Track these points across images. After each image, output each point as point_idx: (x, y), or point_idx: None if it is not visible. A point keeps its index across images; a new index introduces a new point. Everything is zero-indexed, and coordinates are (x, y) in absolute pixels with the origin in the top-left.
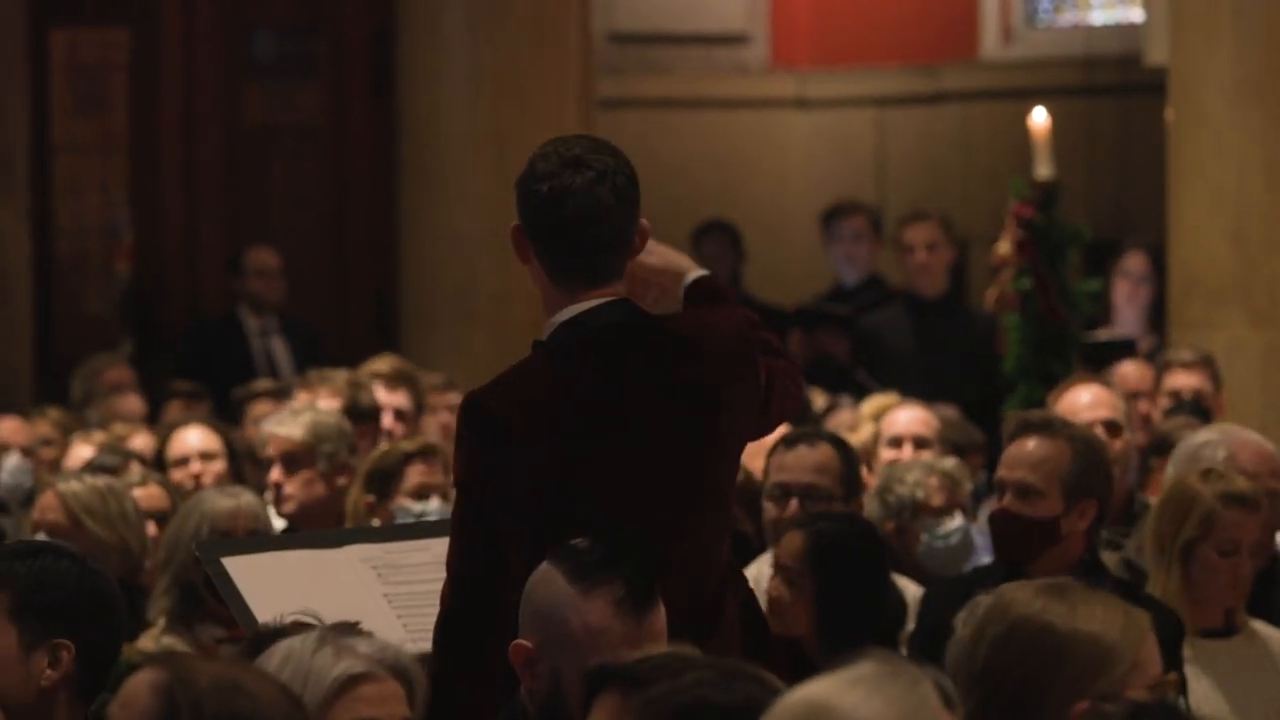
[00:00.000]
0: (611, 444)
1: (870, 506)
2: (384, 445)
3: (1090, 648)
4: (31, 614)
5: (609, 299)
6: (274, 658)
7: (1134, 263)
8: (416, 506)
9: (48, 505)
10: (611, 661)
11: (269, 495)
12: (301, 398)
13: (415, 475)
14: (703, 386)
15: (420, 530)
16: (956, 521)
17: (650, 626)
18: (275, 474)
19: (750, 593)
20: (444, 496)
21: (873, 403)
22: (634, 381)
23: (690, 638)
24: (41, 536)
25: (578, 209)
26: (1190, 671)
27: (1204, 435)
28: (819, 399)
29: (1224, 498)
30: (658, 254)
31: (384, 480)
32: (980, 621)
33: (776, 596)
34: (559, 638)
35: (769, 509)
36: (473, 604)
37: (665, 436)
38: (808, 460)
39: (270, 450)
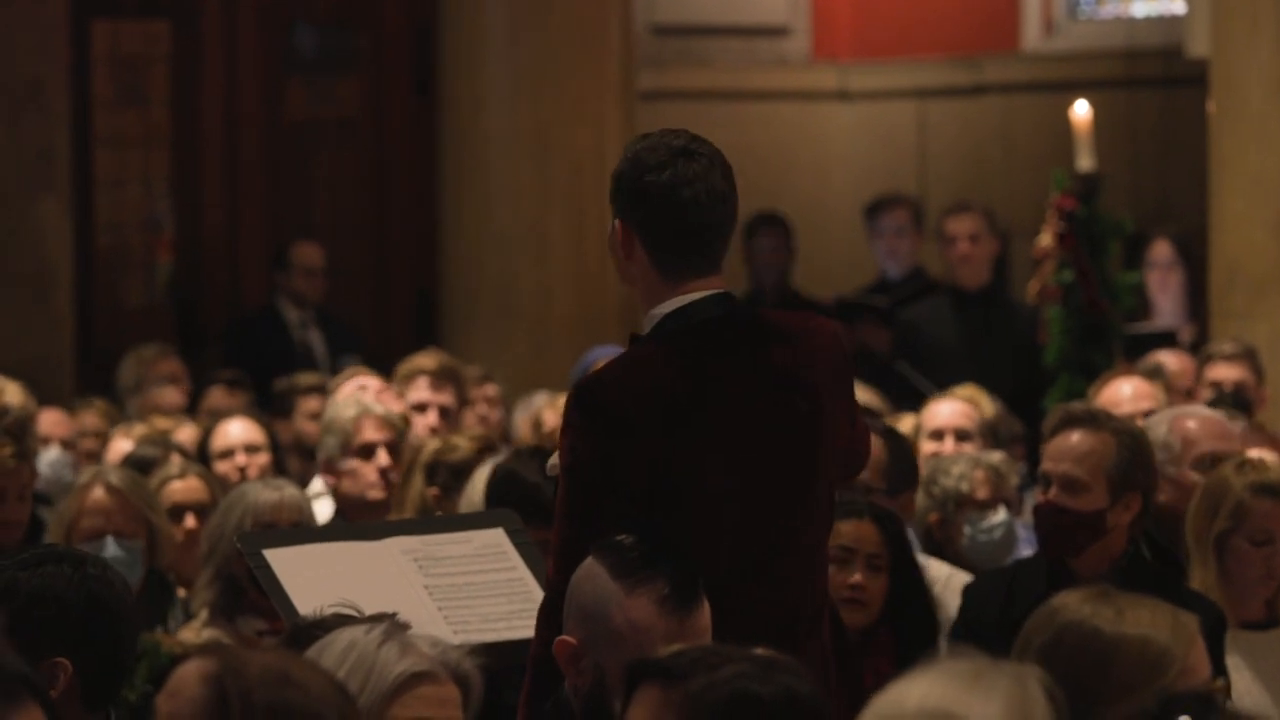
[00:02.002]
0: (720, 436)
1: (916, 498)
2: (437, 439)
3: (1139, 651)
4: (27, 631)
5: (711, 292)
6: (336, 646)
7: (1159, 252)
8: None
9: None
10: (650, 655)
11: (314, 487)
12: (344, 389)
13: None
14: (808, 383)
15: (461, 522)
16: (1000, 516)
17: (694, 625)
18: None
19: (836, 613)
20: None
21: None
22: (742, 373)
23: (788, 647)
24: (109, 539)
25: (697, 196)
26: (1231, 664)
27: (1155, 418)
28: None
29: (1253, 488)
30: None
31: (453, 475)
32: (1028, 630)
33: (863, 584)
34: (603, 634)
35: None
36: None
37: (773, 431)
38: None
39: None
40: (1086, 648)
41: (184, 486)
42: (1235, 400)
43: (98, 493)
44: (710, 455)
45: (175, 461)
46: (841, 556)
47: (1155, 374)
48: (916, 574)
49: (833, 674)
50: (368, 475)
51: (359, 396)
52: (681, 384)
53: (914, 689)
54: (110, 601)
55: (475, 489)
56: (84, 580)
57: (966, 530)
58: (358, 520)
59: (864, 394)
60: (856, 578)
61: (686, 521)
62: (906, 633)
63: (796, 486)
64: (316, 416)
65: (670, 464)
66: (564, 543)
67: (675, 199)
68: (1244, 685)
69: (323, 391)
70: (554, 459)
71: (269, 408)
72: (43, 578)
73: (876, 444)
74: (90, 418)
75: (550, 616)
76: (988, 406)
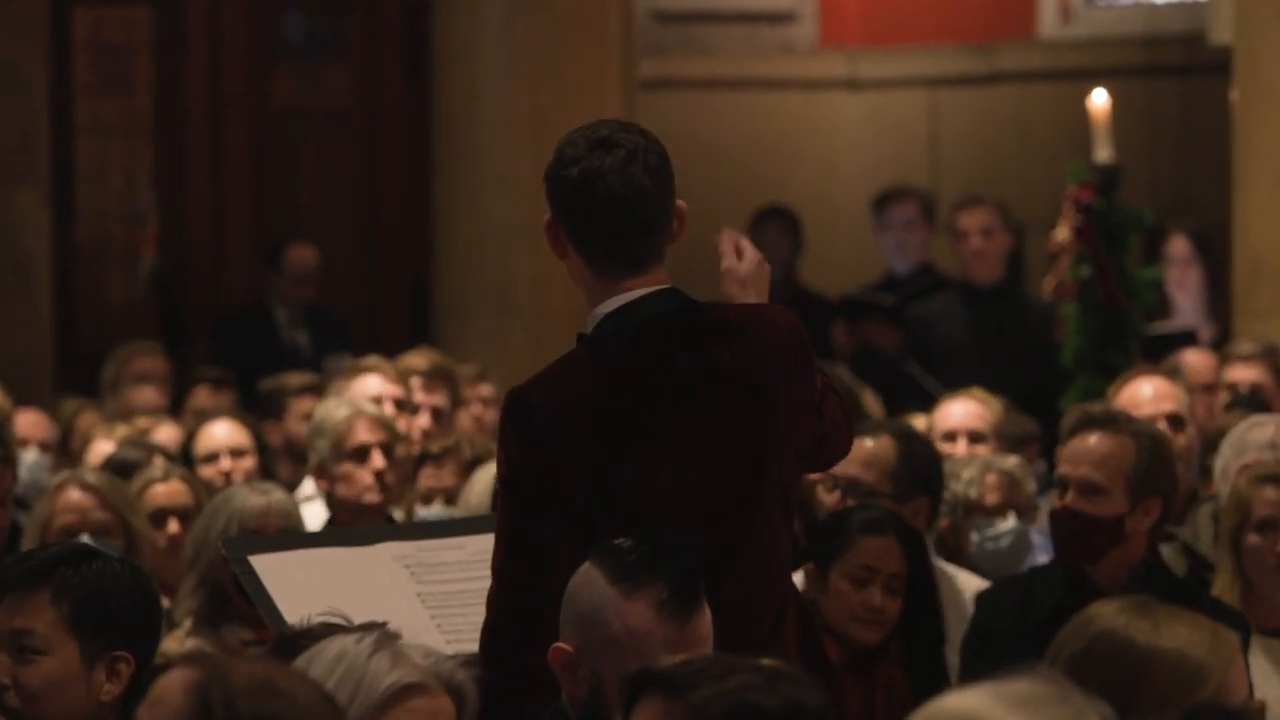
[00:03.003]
0: (663, 440)
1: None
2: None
3: (1174, 665)
4: (90, 626)
5: (655, 288)
6: (325, 656)
7: (1175, 247)
8: (422, 511)
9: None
10: (652, 665)
11: (304, 489)
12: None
13: (424, 479)
14: (758, 380)
15: (455, 527)
16: (1009, 523)
17: (694, 630)
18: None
19: (809, 612)
20: (448, 501)
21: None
22: (685, 374)
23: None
24: (85, 537)
25: (611, 190)
26: (1256, 672)
27: (1255, 419)
28: (870, 400)
29: (1252, 478)
30: (749, 258)
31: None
32: (1060, 637)
33: (881, 607)
34: (600, 641)
35: (822, 500)
36: (519, 611)
37: (719, 432)
38: (859, 452)
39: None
40: (1119, 658)
41: (167, 490)
42: (1253, 402)
43: (73, 492)
44: (650, 461)
45: (158, 464)
46: (861, 575)
47: (1176, 374)
48: (931, 591)
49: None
50: (362, 479)
51: (351, 397)
52: (616, 388)
53: (963, 701)
54: (154, 599)
55: (475, 491)
56: (134, 576)
57: (974, 537)
58: (353, 525)
59: (870, 397)
60: (875, 600)
61: (631, 531)
62: (917, 644)
63: (745, 487)
64: (309, 418)
65: (608, 473)
66: (503, 562)
67: (589, 194)
68: (1274, 694)
69: (316, 391)
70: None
71: (255, 408)
72: (99, 573)
73: (886, 445)
74: (83, 418)
75: (494, 644)
76: (994, 408)
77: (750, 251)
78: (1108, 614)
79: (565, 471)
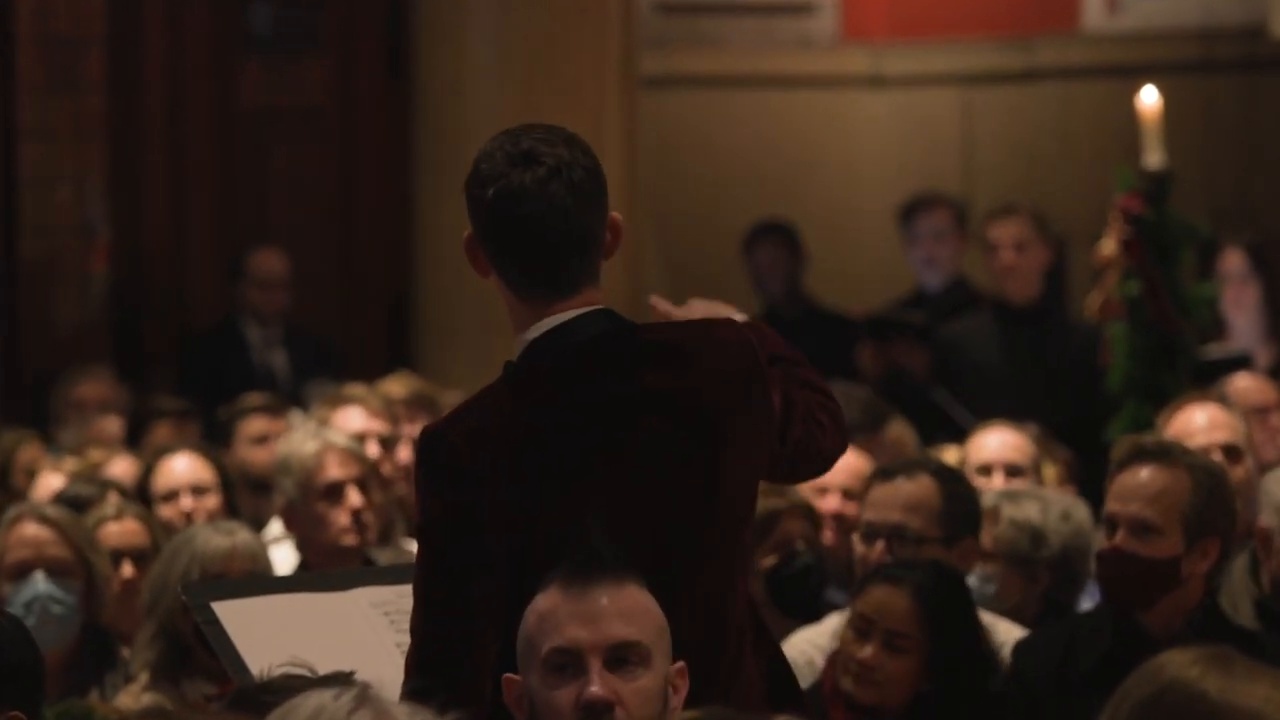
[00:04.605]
0: (596, 478)
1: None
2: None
3: None
4: None
5: (587, 309)
6: (300, 713)
7: (1231, 262)
8: None
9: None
10: None
11: (271, 530)
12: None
13: None
14: (703, 407)
15: None
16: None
17: (596, 601)
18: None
19: (780, 657)
20: None
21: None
22: (620, 402)
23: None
24: (40, 575)
25: (528, 214)
26: None
27: None
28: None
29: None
30: (699, 309)
31: None
32: (1128, 683)
33: (876, 665)
34: (525, 651)
35: (858, 550)
36: (440, 676)
37: (660, 467)
38: (899, 495)
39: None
40: (1188, 711)
41: (120, 529)
42: None
43: (29, 526)
44: (581, 502)
45: (112, 500)
46: (859, 625)
47: (1225, 401)
48: (960, 658)
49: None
50: (337, 520)
51: (318, 428)
52: (543, 421)
53: None
54: (39, 656)
55: None
56: (16, 629)
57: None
58: (327, 568)
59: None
60: (866, 654)
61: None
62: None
63: (690, 528)
64: (261, 440)
65: (528, 515)
66: (421, 625)
67: (506, 216)
68: None
69: (269, 412)
70: None
71: (215, 437)
72: None
73: (928, 486)
74: (24, 451)
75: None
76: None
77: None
78: (1180, 662)
79: (489, 517)
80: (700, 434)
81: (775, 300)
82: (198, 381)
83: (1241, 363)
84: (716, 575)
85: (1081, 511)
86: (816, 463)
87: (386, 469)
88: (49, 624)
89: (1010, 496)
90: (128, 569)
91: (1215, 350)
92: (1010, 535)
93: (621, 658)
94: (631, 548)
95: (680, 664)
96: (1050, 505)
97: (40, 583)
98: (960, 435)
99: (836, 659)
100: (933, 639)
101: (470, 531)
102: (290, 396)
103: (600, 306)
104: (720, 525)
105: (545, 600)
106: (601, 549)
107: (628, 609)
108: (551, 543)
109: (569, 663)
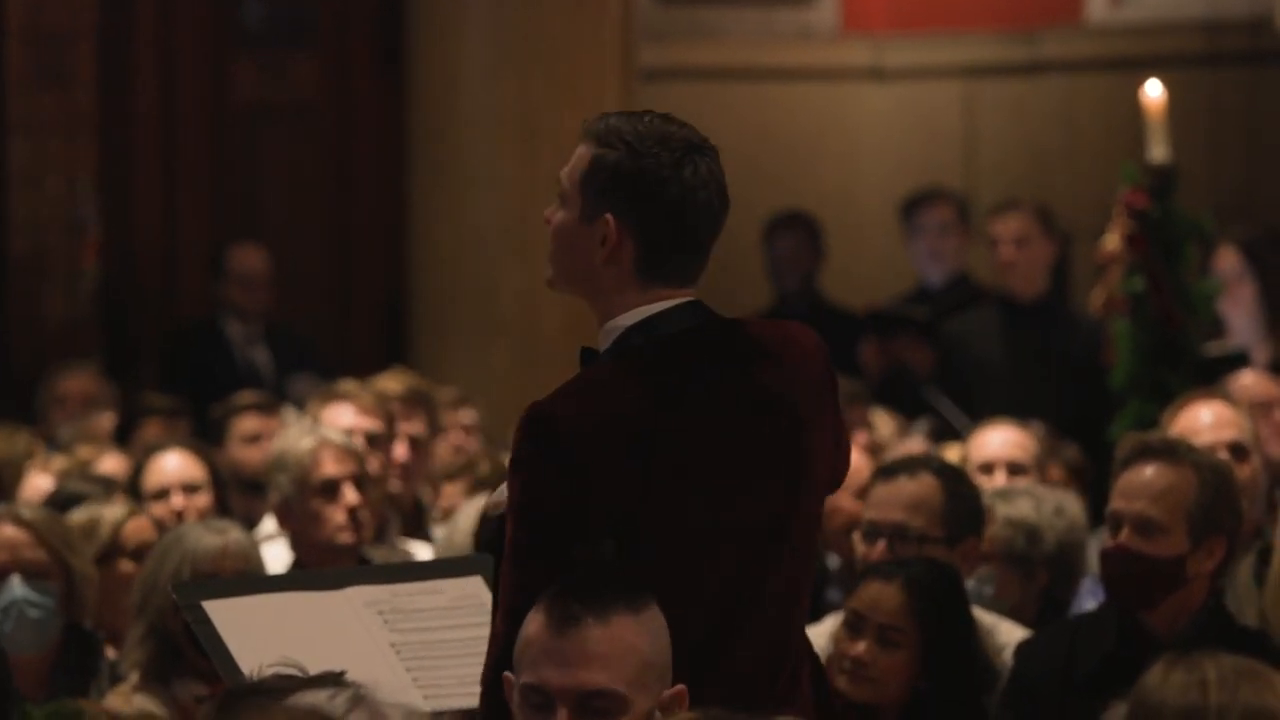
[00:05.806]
0: (696, 468)
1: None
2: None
3: None
4: None
5: (681, 300)
6: (295, 715)
7: (1224, 261)
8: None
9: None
10: None
11: (264, 528)
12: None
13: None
14: (791, 403)
15: (434, 569)
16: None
17: (572, 644)
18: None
19: (819, 663)
20: None
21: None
22: (719, 395)
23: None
24: (16, 579)
25: (711, 200)
26: None
27: None
28: (884, 424)
29: None
30: None
31: None
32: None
33: (869, 661)
34: (514, 662)
35: (859, 549)
36: None
37: (756, 461)
38: (901, 494)
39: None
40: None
41: (134, 527)
42: None
43: (5, 528)
44: (685, 491)
45: (120, 502)
46: (851, 621)
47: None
48: (954, 655)
49: None
50: (333, 518)
51: (314, 425)
52: (649, 409)
53: None
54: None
55: (459, 529)
56: None
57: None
58: (321, 567)
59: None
60: (859, 649)
61: (660, 566)
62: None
63: (779, 523)
64: (254, 439)
65: (639, 502)
66: (514, 595)
67: (691, 202)
68: None
69: (262, 410)
70: (496, 496)
71: (207, 436)
72: None
73: (930, 485)
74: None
75: (495, 691)
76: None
77: None
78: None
79: (589, 500)
80: (792, 431)
81: (788, 293)
82: (181, 378)
83: (1240, 360)
84: (799, 568)
85: (1074, 506)
86: (839, 480)
87: (374, 466)
88: (26, 628)
89: (1003, 495)
90: (128, 566)
91: (1214, 348)
92: (1005, 534)
93: (592, 706)
94: (725, 540)
95: (679, 688)
96: (1043, 501)
97: (16, 586)
98: (955, 435)
99: (832, 659)
100: (925, 632)
101: (576, 509)
102: (274, 393)
103: (694, 298)
104: (803, 519)
105: (532, 623)
106: (596, 578)
107: (606, 652)
108: (653, 527)
109: (542, 702)
